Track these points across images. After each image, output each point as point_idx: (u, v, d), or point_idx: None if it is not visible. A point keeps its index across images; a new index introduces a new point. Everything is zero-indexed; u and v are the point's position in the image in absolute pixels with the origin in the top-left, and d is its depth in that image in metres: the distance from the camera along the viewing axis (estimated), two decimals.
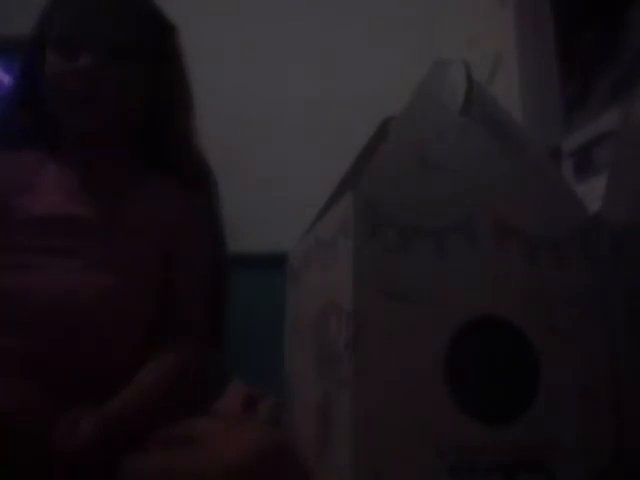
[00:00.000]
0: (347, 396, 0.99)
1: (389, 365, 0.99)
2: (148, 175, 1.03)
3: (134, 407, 0.88)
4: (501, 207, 1.07)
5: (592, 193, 1.27)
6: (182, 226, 1.02)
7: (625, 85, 1.42)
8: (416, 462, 0.97)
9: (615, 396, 1.04)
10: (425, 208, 1.05)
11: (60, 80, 0.94)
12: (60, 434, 0.79)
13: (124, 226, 0.97)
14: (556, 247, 1.07)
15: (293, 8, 2.47)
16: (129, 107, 0.99)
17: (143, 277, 0.98)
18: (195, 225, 1.03)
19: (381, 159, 1.08)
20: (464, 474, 0.98)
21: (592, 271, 1.07)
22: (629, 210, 1.10)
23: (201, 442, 0.79)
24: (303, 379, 1.30)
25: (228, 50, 2.40)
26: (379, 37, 2.44)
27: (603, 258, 1.08)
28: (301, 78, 2.41)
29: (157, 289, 0.99)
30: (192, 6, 2.34)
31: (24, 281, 0.91)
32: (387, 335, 1.00)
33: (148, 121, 1.03)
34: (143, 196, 1.01)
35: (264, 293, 1.68)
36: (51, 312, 0.90)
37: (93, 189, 0.98)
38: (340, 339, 1.05)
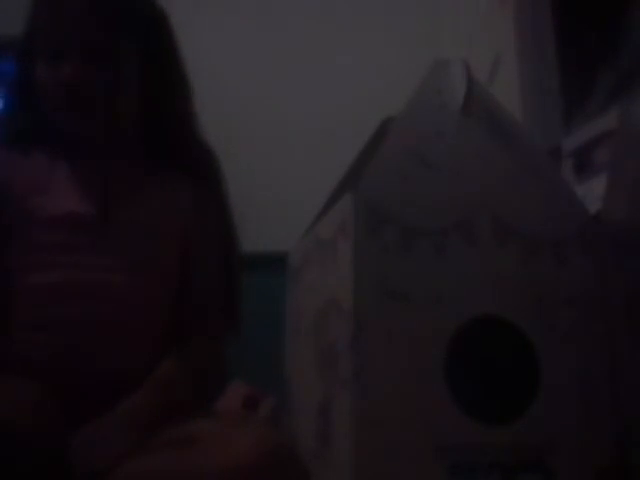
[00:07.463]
0: (347, 396, 1.00)
1: (389, 365, 1.00)
2: (159, 172, 1.03)
3: (157, 411, 0.88)
4: (501, 207, 1.07)
5: (592, 193, 1.27)
6: (196, 223, 1.02)
7: (625, 85, 1.42)
8: (416, 462, 0.97)
9: (615, 396, 1.04)
10: (425, 208, 1.05)
11: (47, 89, 0.96)
12: (84, 447, 0.80)
13: (138, 225, 0.98)
14: (556, 247, 1.07)
15: (293, 8, 2.47)
16: (122, 106, 0.99)
17: (159, 276, 0.98)
18: (208, 221, 1.04)
19: (381, 159, 1.08)
20: (464, 474, 0.98)
21: (592, 271, 1.08)
22: (629, 210, 1.10)
23: (201, 442, 0.79)
24: (303, 379, 1.30)
25: (229, 50, 2.40)
26: (379, 37, 2.44)
27: (603, 258, 1.08)
28: (301, 78, 2.41)
29: (173, 288, 1.00)
30: (193, 6, 2.34)
31: (41, 280, 0.92)
32: (387, 335, 1.00)
33: (148, 116, 1.03)
34: (156, 194, 1.02)
35: (264, 293, 1.68)
36: (67, 311, 0.90)
37: (106, 188, 0.99)
38: (340, 339, 1.05)
